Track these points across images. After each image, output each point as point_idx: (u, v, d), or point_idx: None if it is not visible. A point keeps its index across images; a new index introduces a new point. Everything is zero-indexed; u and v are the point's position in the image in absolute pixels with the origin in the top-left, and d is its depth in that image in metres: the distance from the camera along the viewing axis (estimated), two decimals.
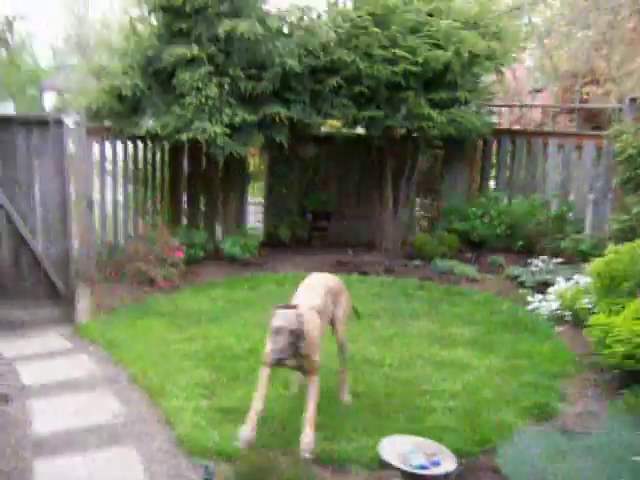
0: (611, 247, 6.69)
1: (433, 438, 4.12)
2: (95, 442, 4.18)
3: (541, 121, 13.96)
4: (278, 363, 4.04)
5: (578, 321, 6.46)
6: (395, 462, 3.57)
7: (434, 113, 8.95)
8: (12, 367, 5.54)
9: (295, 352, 3.97)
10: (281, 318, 3.92)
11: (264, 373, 4.13)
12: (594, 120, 14.63)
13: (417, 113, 8.99)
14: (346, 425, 4.37)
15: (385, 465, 3.77)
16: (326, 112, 8.92)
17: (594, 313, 5.57)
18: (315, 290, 4.56)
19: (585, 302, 6.04)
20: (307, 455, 3.79)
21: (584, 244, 8.84)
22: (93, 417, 4.54)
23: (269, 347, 4.02)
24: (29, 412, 4.66)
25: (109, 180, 8.50)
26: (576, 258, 8.76)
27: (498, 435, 4.31)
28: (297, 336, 3.92)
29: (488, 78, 10.66)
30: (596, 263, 5.42)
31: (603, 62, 13.55)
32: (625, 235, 8.03)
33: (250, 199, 10.73)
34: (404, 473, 3.58)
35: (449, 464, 3.61)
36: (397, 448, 3.73)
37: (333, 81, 8.65)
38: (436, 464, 3.61)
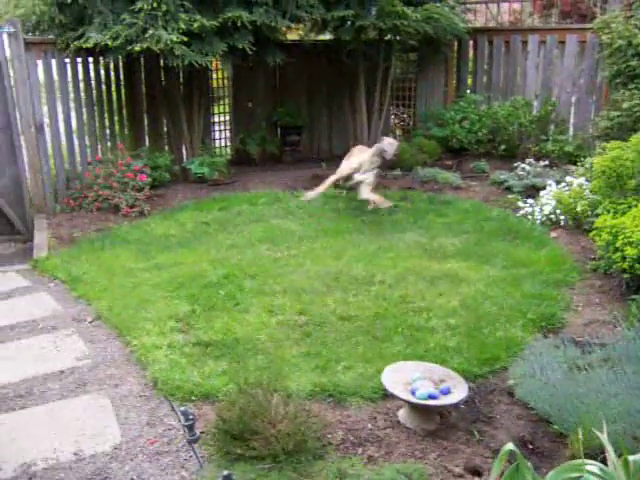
0: (605, 144, 6.26)
1: (436, 361, 3.73)
2: (58, 391, 3.70)
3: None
4: None
5: (575, 225, 6.08)
6: (401, 393, 3.16)
7: (408, 10, 8.23)
8: None
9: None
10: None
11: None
12: (572, 15, 13.98)
13: (390, 11, 8.26)
14: (340, 353, 3.95)
15: (390, 396, 3.37)
16: (292, 14, 8.11)
17: (597, 215, 5.16)
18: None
19: (586, 203, 5.61)
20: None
21: (569, 145, 8.43)
22: (56, 362, 4.04)
23: None
24: None
25: (60, 102, 7.72)
26: (561, 160, 8.39)
27: (506, 352, 3.94)
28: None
29: None
30: (600, 160, 4.96)
31: None
32: (614, 133, 7.63)
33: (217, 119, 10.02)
34: (411, 404, 3.18)
35: (460, 392, 3.21)
36: (401, 376, 3.32)
37: None
38: (445, 392, 3.21)
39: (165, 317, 4.55)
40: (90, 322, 4.64)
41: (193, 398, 3.54)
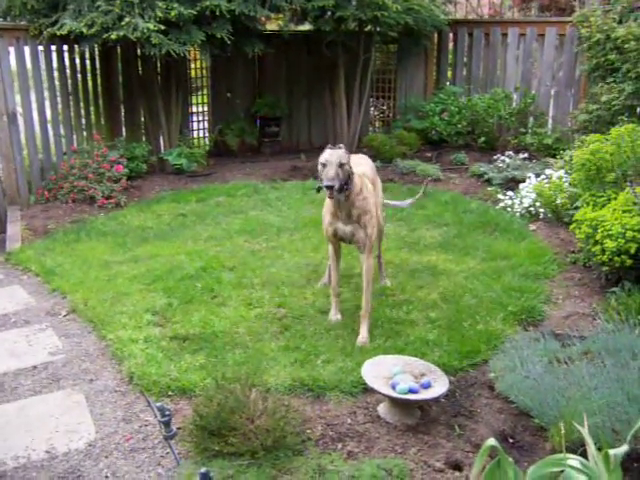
0: (585, 138, 6.26)
1: (416, 354, 3.70)
2: (31, 386, 3.60)
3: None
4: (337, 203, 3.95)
5: (555, 217, 6.09)
6: (381, 388, 3.12)
7: (389, 1, 8.17)
8: None
9: (349, 212, 3.96)
10: (328, 153, 3.83)
11: (330, 250, 4.30)
12: (551, 8, 14.04)
13: (370, 2, 8.20)
14: (319, 346, 3.90)
15: (370, 390, 3.33)
16: (272, 3, 8.02)
17: (577, 208, 5.16)
18: (362, 165, 4.43)
19: (566, 196, 5.61)
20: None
21: (548, 138, 8.46)
22: (28, 357, 3.93)
23: (327, 213, 4.11)
24: None
25: (33, 91, 7.54)
26: (540, 153, 8.42)
27: (487, 345, 3.92)
28: (346, 174, 3.83)
29: None
30: (581, 153, 4.95)
31: None
32: (593, 126, 7.66)
33: (195, 109, 9.90)
34: (392, 399, 3.14)
35: (440, 386, 3.18)
36: (382, 370, 3.28)
37: None
38: (425, 386, 3.17)
39: (141, 310, 4.47)
40: (64, 316, 4.54)
41: (170, 393, 3.47)
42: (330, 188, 3.70)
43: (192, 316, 4.37)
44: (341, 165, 3.76)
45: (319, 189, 3.96)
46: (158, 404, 3.01)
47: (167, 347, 3.95)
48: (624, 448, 2.17)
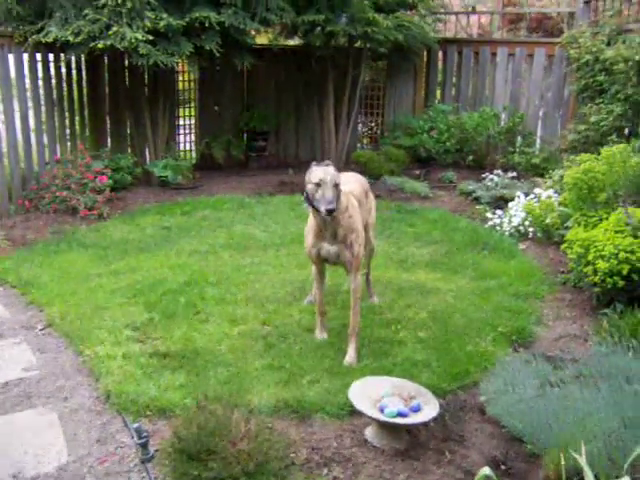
0: (574, 157, 6.24)
1: (404, 375, 3.58)
2: (0, 405, 3.43)
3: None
4: (322, 239, 3.86)
5: (544, 237, 6.02)
6: (369, 410, 3.00)
7: (379, 17, 8.14)
8: None
9: (334, 232, 3.81)
10: (321, 171, 3.61)
11: (314, 270, 4.15)
12: (539, 30, 14.14)
13: (361, 17, 8.16)
14: (305, 366, 3.77)
15: (357, 412, 3.20)
16: (261, 17, 7.93)
17: (568, 228, 5.09)
18: (350, 183, 4.24)
19: (556, 216, 5.54)
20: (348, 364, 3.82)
21: (536, 158, 8.46)
22: (0, 373, 3.78)
23: (310, 233, 3.96)
24: None
25: (17, 99, 7.39)
26: (528, 172, 8.40)
27: (477, 367, 3.81)
28: (338, 194, 3.65)
29: None
30: (572, 172, 4.89)
31: None
32: (582, 146, 7.66)
33: (182, 121, 9.78)
34: (380, 422, 3.01)
35: (431, 409, 3.06)
36: (370, 392, 3.15)
37: None
38: (415, 409, 3.06)
39: (121, 325, 4.31)
40: (41, 330, 4.38)
41: (148, 413, 3.32)
42: (331, 212, 3.55)
43: (174, 332, 4.22)
44: (336, 185, 3.61)
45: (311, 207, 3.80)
46: (135, 425, 2.87)
47: (147, 364, 3.80)
48: None
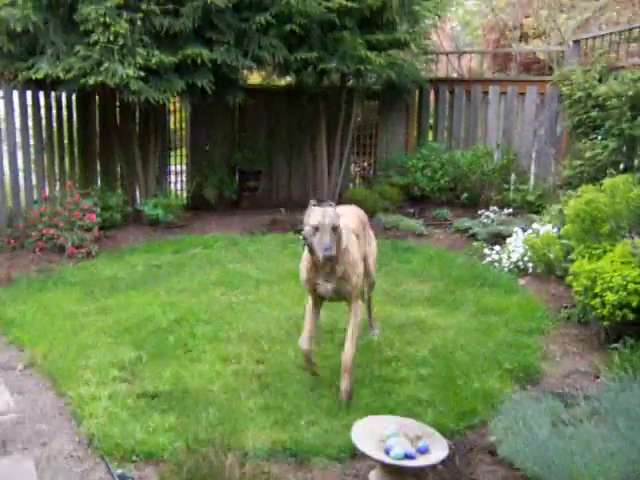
0: (571, 192, 6.16)
1: (408, 415, 3.36)
2: None
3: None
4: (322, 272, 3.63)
5: (545, 271, 5.87)
6: (373, 452, 2.78)
7: (372, 55, 8.13)
8: None
9: (332, 269, 3.61)
10: (320, 214, 3.41)
11: (310, 304, 3.88)
12: (529, 70, 14.29)
13: (353, 55, 8.14)
14: (302, 406, 3.55)
15: (360, 455, 2.97)
16: (254, 54, 7.89)
17: (571, 261, 4.94)
18: (347, 215, 4.05)
19: (559, 249, 5.41)
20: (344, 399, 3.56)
21: (531, 195, 8.40)
22: None
23: (305, 267, 3.73)
24: None
25: (4, 137, 7.26)
26: (523, 209, 8.32)
27: (484, 405, 3.61)
28: (338, 237, 3.49)
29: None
30: (575, 204, 4.77)
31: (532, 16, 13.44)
32: (577, 181, 7.58)
33: (174, 161, 9.68)
34: (385, 465, 2.79)
35: (439, 450, 2.84)
36: (374, 432, 2.94)
37: (261, 18, 7.63)
38: (423, 451, 2.84)
39: (107, 365, 4.09)
40: (21, 370, 4.14)
41: (134, 458, 3.07)
42: (330, 259, 3.39)
43: (163, 372, 4.00)
44: (334, 229, 3.42)
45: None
46: (119, 471, 2.64)
47: (133, 405, 3.57)
48: None
